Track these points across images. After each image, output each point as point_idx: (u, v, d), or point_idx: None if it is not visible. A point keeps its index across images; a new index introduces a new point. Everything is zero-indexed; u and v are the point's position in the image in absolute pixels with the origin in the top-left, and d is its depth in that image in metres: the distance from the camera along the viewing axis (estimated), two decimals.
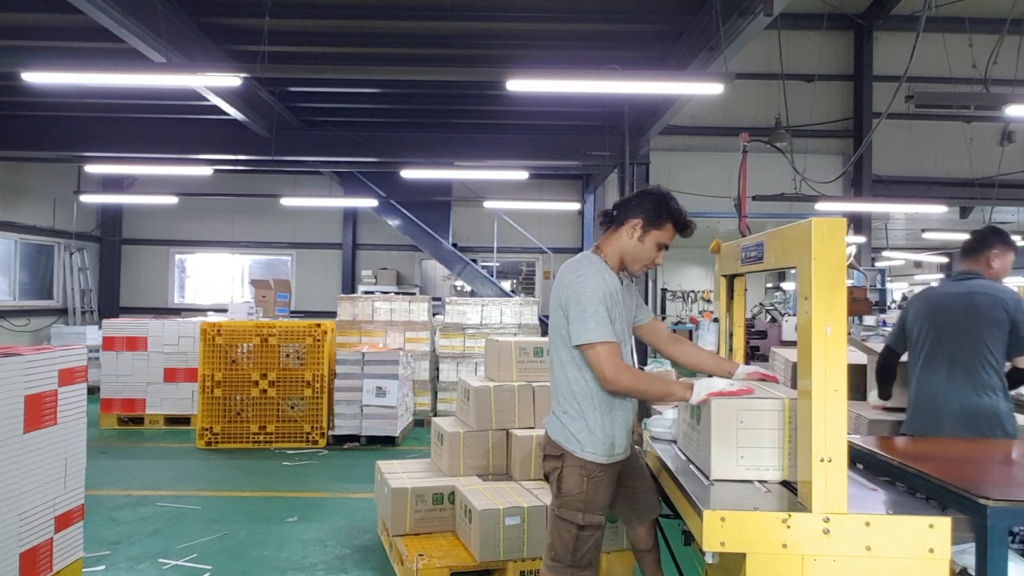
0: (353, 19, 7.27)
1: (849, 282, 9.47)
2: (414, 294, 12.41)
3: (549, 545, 2.62)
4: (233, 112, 8.60)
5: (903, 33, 12.09)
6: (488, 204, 12.38)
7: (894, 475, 2.46)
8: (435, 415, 8.56)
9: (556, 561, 2.59)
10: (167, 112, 9.91)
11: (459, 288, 13.20)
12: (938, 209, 10.40)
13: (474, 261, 13.25)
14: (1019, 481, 2.34)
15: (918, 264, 20.12)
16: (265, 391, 7.25)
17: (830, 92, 12.56)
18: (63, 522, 3.27)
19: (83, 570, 3.58)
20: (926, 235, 12.54)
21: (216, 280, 15.17)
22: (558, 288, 2.61)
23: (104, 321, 8.42)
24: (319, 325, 7.40)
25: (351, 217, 14.63)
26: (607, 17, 7.20)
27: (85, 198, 12.67)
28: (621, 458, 2.66)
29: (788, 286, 14.78)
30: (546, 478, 2.71)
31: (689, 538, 2.34)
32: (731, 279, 3.04)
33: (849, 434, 2.53)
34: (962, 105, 9.10)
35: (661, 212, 2.61)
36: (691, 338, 2.90)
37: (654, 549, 2.92)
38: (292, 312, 12.46)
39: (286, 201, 12.07)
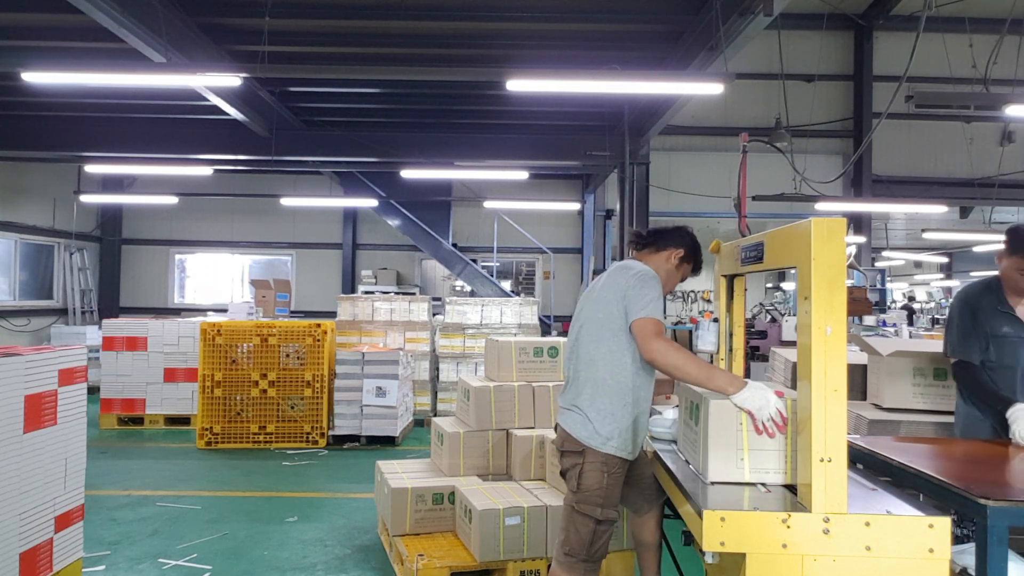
0: (353, 19, 7.27)
1: (849, 282, 9.47)
2: (414, 294, 12.40)
3: (564, 540, 2.66)
4: (233, 112, 8.60)
5: (903, 33, 12.09)
6: (488, 204, 12.38)
7: (894, 475, 2.46)
8: (435, 415, 8.56)
9: (570, 556, 2.63)
10: (167, 112, 9.91)
11: (459, 288, 13.20)
12: (938, 209, 10.39)
13: (474, 261, 13.25)
14: (1019, 481, 2.34)
15: (918, 264, 20.13)
16: (265, 391, 7.25)
17: (830, 92, 12.56)
18: (63, 522, 3.27)
19: (83, 570, 3.58)
20: (926, 235, 12.55)
21: (216, 280, 15.17)
22: (615, 282, 2.69)
23: (104, 321, 8.42)
24: (319, 325, 7.40)
25: (351, 217, 14.63)
26: (607, 17, 7.20)
27: (85, 198, 12.67)
28: (636, 455, 2.73)
29: (788, 286, 14.79)
30: (562, 474, 2.74)
31: (689, 538, 2.34)
32: (731, 279, 3.04)
33: (849, 434, 2.54)
34: (962, 105, 9.10)
35: (696, 251, 2.92)
36: (691, 338, 2.91)
37: (659, 545, 2.93)
38: (292, 312, 12.47)
39: (286, 201, 12.07)
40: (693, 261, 2.92)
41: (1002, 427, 2.91)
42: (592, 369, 2.66)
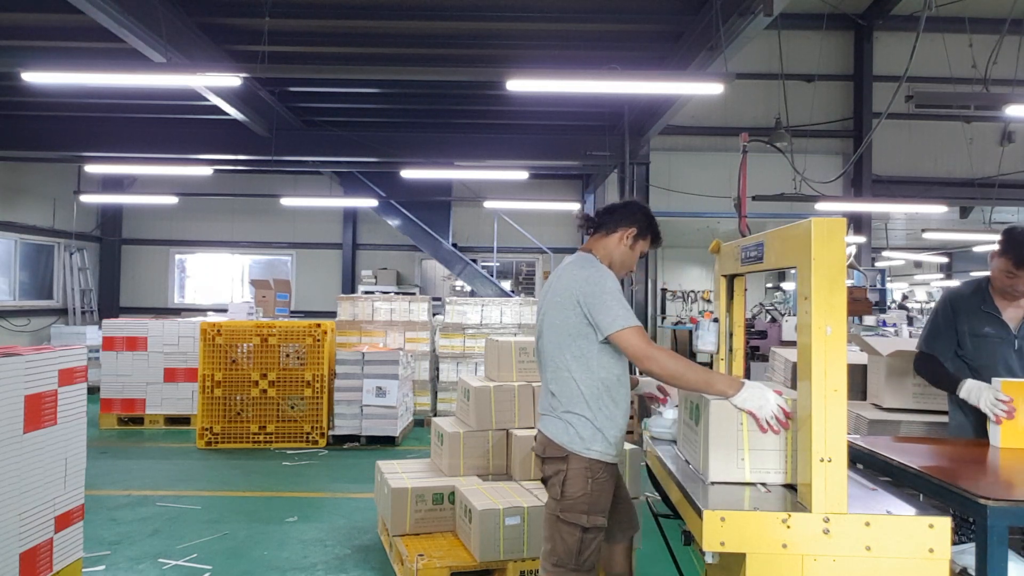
0: (353, 19, 7.27)
1: (849, 282, 9.47)
2: (414, 294, 12.41)
3: (550, 550, 2.57)
4: (233, 112, 8.60)
5: (903, 33, 12.09)
6: (488, 204, 12.38)
7: (894, 475, 2.46)
8: (435, 415, 8.56)
9: (559, 566, 2.55)
10: (167, 112, 9.91)
11: (459, 288, 13.21)
12: (938, 209, 10.39)
13: (474, 261, 13.25)
14: (1019, 481, 2.34)
15: (918, 264, 20.12)
16: (265, 391, 7.25)
17: (830, 92, 12.56)
18: (63, 522, 3.27)
19: (83, 570, 3.58)
20: (926, 235, 12.55)
21: (216, 280, 15.17)
22: (565, 286, 2.59)
23: (104, 321, 8.42)
24: (319, 325, 7.40)
25: (351, 217, 14.64)
26: (607, 17, 7.20)
27: (85, 198, 12.68)
28: (620, 459, 2.69)
29: (788, 286, 14.78)
30: (544, 482, 2.68)
31: (689, 538, 2.33)
32: (731, 279, 3.04)
33: (849, 434, 2.54)
34: (962, 105, 9.10)
35: (651, 224, 2.80)
36: (690, 338, 2.89)
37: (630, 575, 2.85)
38: (292, 312, 12.46)
39: (286, 201, 12.07)
40: (648, 235, 2.78)
41: (980, 424, 2.93)
42: (561, 375, 2.60)
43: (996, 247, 3.05)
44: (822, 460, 1.96)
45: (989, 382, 2.92)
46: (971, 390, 2.89)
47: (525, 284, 15.36)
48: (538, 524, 3.73)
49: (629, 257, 2.77)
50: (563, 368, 2.59)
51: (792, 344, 6.40)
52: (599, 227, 2.78)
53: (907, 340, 4.57)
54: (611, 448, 2.58)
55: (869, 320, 9.08)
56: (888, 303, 11.78)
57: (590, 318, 2.51)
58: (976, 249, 15.90)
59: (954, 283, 20.94)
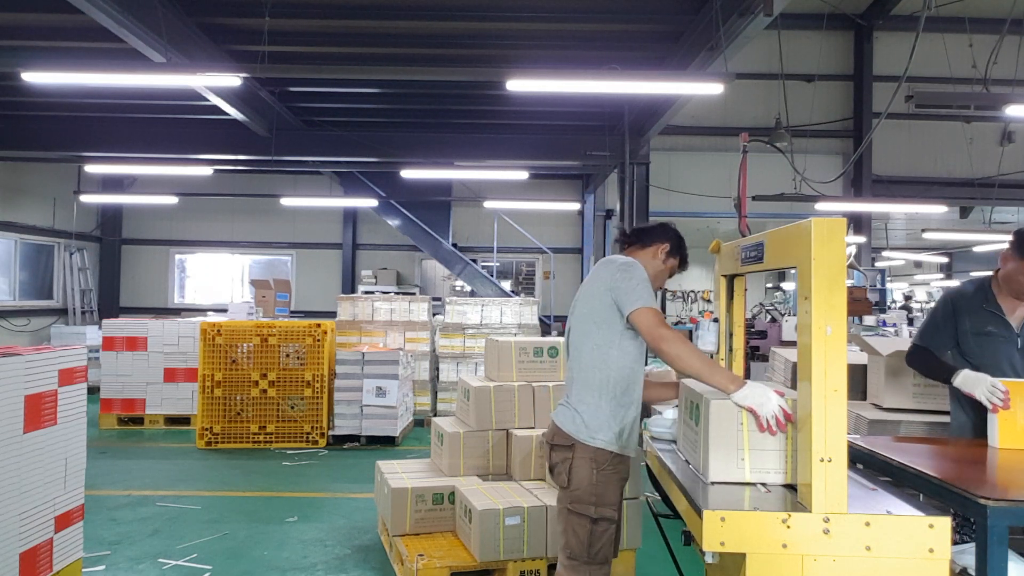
0: (353, 19, 7.27)
1: (849, 282, 9.47)
2: (414, 294, 12.40)
3: (564, 544, 2.60)
4: (233, 112, 8.59)
5: (903, 33, 12.10)
6: (488, 204, 12.38)
7: (894, 475, 2.46)
8: (435, 415, 8.56)
9: (572, 559, 2.58)
10: (167, 112, 9.91)
11: (459, 288, 13.20)
12: (938, 209, 10.40)
13: (474, 261, 13.25)
14: (1019, 481, 2.34)
15: (918, 264, 20.13)
16: (265, 391, 7.25)
17: (830, 92, 12.56)
18: (63, 522, 3.27)
19: (83, 570, 3.58)
20: (926, 235, 12.55)
21: (216, 280, 15.17)
22: (600, 277, 2.68)
23: (104, 321, 8.43)
24: (319, 325, 7.40)
25: (351, 217, 14.64)
26: (607, 17, 7.20)
27: (85, 198, 12.68)
28: (630, 454, 2.69)
29: (788, 286, 14.79)
30: (551, 471, 2.70)
31: (689, 538, 2.33)
32: (731, 279, 3.04)
33: (849, 434, 2.54)
34: (962, 105, 9.11)
35: (681, 245, 2.92)
36: (691, 338, 2.88)
37: None
38: (292, 312, 12.47)
39: (286, 201, 12.07)
40: (679, 255, 2.91)
41: (980, 424, 2.93)
42: (579, 364, 2.66)
43: (1008, 250, 3.01)
44: (822, 460, 1.96)
45: None
46: (967, 379, 2.89)
47: (525, 284, 15.35)
48: (538, 524, 3.75)
49: (662, 271, 2.87)
50: (583, 356, 2.65)
51: (792, 344, 6.40)
52: (634, 242, 2.90)
53: (907, 340, 4.57)
54: (616, 439, 2.60)
55: (869, 320, 9.08)
56: (889, 303, 11.78)
57: (616, 302, 2.58)
58: (976, 249, 15.90)
59: (954, 283, 20.94)
